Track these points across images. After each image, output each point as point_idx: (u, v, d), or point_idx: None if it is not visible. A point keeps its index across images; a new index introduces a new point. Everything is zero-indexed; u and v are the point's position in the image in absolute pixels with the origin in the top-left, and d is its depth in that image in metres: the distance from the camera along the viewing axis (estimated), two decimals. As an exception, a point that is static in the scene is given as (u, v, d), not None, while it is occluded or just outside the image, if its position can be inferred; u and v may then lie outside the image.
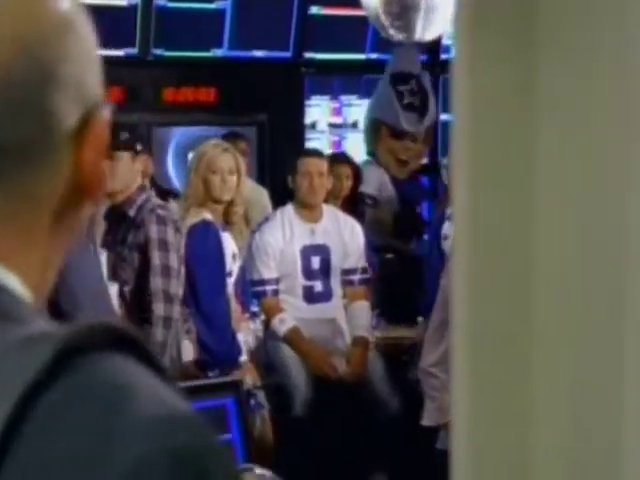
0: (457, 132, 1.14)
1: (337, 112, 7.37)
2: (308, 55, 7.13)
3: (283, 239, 4.88)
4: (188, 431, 0.66)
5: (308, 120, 7.27)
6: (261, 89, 6.80)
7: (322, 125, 7.34)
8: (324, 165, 4.98)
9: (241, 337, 4.49)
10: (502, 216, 1.08)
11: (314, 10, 7.08)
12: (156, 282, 3.98)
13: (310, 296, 4.91)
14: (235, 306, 4.52)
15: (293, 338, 4.79)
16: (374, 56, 7.25)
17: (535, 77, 1.10)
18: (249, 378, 4.29)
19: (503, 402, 1.05)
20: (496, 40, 1.13)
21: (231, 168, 4.38)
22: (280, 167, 5.64)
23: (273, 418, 4.37)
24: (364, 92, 7.21)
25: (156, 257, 3.99)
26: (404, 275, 5.60)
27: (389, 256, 5.96)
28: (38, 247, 0.74)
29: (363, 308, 4.97)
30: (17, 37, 0.71)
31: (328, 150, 6.55)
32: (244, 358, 4.45)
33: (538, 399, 1.04)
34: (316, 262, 4.92)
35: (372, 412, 4.76)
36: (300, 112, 7.19)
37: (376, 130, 6.74)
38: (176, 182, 6.54)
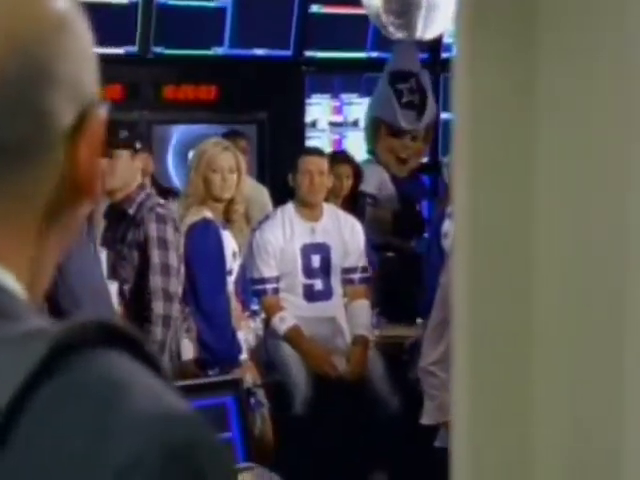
0: (457, 131, 1.14)
1: (338, 111, 7.37)
2: (309, 53, 7.13)
3: (283, 237, 4.88)
4: (184, 428, 0.66)
5: (308, 118, 7.26)
6: (261, 87, 6.80)
7: (322, 124, 7.34)
8: (324, 164, 4.98)
9: (241, 335, 4.49)
10: (502, 215, 1.08)
11: (315, 8, 7.08)
12: (155, 281, 3.98)
13: (310, 295, 4.91)
14: (235, 304, 4.52)
15: (293, 337, 4.79)
16: (375, 54, 7.25)
17: (535, 77, 1.10)
18: (249, 377, 4.29)
19: (503, 401, 1.05)
20: (496, 40, 1.13)
21: (231, 167, 4.38)
22: (280, 165, 5.64)
23: (273, 417, 4.37)
24: (365, 91, 7.21)
25: (155, 256, 3.99)
26: (404, 274, 5.60)
27: (389, 255, 5.97)
28: (34, 246, 0.74)
29: (363, 307, 4.97)
30: (12, 35, 0.71)
31: (328, 149, 6.55)
32: (244, 357, 4.45)
33: (538, 398, 1.04)
34: (316, 261, 4.93)
35: (372, 411, 4.76)
36: (301, 110, 7.19)
37: (376, 129, 6.74)
38: (176, 180, 6.54)
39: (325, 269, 4.93)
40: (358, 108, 7.23)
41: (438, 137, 7.40)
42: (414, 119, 6.73)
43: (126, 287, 4.02)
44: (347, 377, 4.79)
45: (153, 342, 3.90)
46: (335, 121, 7.37)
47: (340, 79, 7.35)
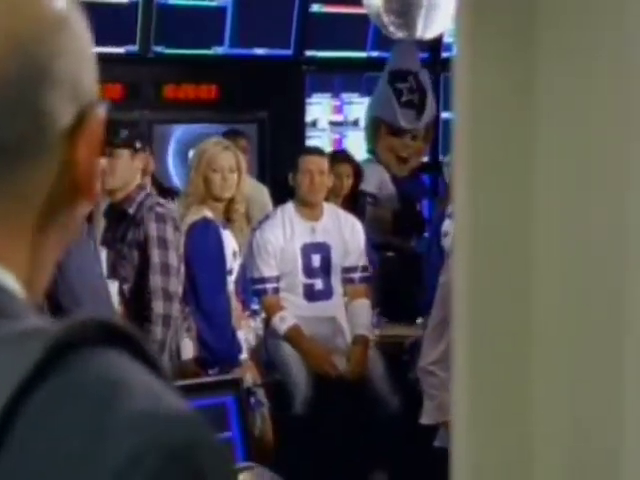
0: (457, 131, 1.14)
1: (338, 110, 7.37)
2: (309, 53, 7.13)
3: (284, 237, 4.88)
4: (184, 428, 0.65)
5: (309, 118, 7.26)
6: (262, 87, 6.80)
7: (323, 123, 7.34)
8: (325, 163, 4.98)
9: (241, 335, 4.49)
10: (502, 215, 1.08)
11: (315, 8, 7.08)
12: (155, 280, 3.98)
13: (310, 294, 4.91)
14: (235, 304, 4.52)
15: (293, 336, 4.79)
16: (375, 54, 7.25)
17: (535, 76, 1.10)
18: (249, 376, 4.29)
19: (503, 401, 1.05)
20: (496, 40, 1.13)
21: (232, 166, 4.38)
22: (281, 165, 5.64)
23: (273, 416, 4.37)
24: (365, 90, 7.21)
25: (155, 255, 3.99)
26: (404, 273, 5.60)
27: (389, 254, 5.96)
28: (33, 245, 0.74)
29: (363, 306, 4.97)
30: (11, 34, 0.71)
31: (329, 148, 6.55)
32: (244, 356, 4.45)
33: (538, 398, 1.04)
34: (317, 260, 4.92)
35: (372, 410, 4.76)
36: (301, 110, 7.19)
37: (376, 128, 6.75)
38: (176, 180, 6.54)
39: (325, 269, 4.93)
40: (358, 107, 7.23)
41: (438, 136, 7.40)
42: (413, 118, 6.73)
43: (126, 286, 4.02)
44: (347, 377, 4.79)
45: (153, 341, 3.90)
46: (335, 120, 7.37)
47: (340, 78, 7.35)
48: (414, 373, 3.79)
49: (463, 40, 1.14)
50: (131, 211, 4.04)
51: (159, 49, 6.63)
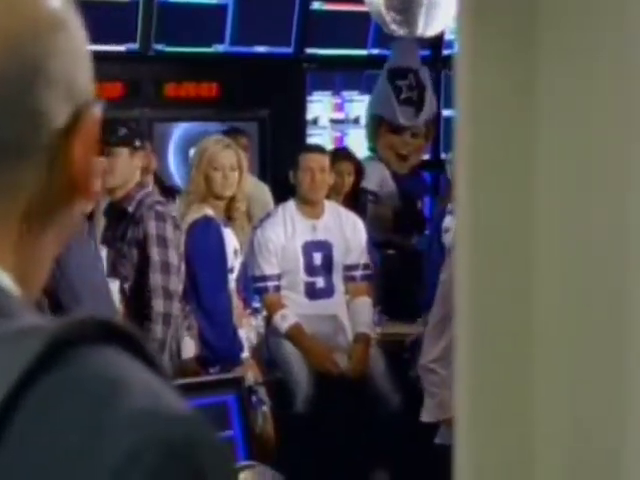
0: (459, 130, 1.14)
1: (339, 108, 7.36)
2: (310, 51, 7.12)
3: (285, 235, 4.88)
4: (183, 426, 0.65)
5: (310, 116, 7.26)
6: (263, 85, 6.80)
7: (324, 121, 7.34)
8: (326, 161, 4.98)
9: (243, 333, 4.49)
10: (503, 215, 1.08)
11: (316, 5, 7.08)
12: (155, 279, 3.98)
13: (312, 292, 4.91)
14: (237, 302, 4.52)
15: (295, 334, 4.79)
16: (376, 52, 7.25)
17: (535, 76, 1.10)
18: (250, 375, 4.29)
19: (504, 401, 1.05)
20: (497, 39, 1.13)
21: (232, 164, 4.38)
22: (282, 163, 5.64)
23: (275, 414, 4.38)
24: (366, 88, 7.21)
25: (155, 254, 3.99)
26: (406, 271, 5.60)
27: (391, 252, 5.96)
28: (30, 244, 0.74)
29: (365, 304, 4.97)
30: (7, 35, 0.71)
31: (330, 146, 6.55)
32: (245, 354, 4.45)
33: (538, 398, 1.04)
34: (318, 258, 4.92)
35: (374, 408, 4.76)
36: (302, 108, 7.19)
37: (376, 126, 6.75)
38: (177, 178, 6.54)
39: (327, 266, 4.93)
40: (359, 105, 7.23)
41: (440, 134, 7.40)
42: (412, 115, 6.74)
43: (126, 285, 4.02)
44: (349, 375, 4.79)
45: (153, 340, 3.90)
46: (336, 118, 7.36)
47: (341, 76, 7.35)
48: (415, 371, 3.79)
49: (464, 40, 1.14)
50: (130, 209, 4.04)
51: (160, 47, 6.63)
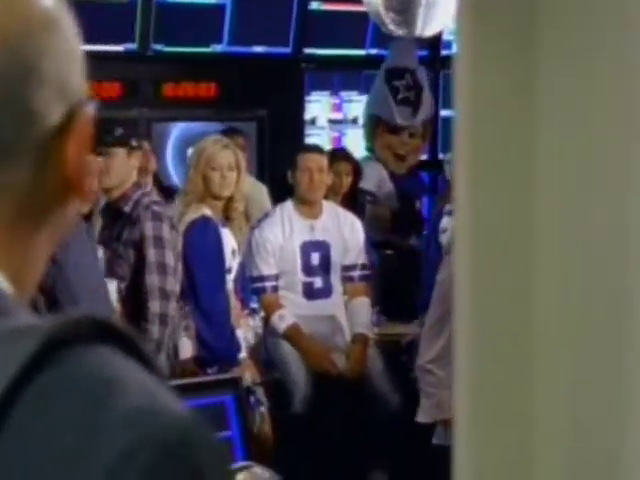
0: (458, 130, 1.14)
1: (337, 108, 7.36)
2: (308, 51, 7.12)
3: (283, 235, 4.88)
4: (178, 425, 0.65)
5: (308, 116, 7.26)
6: (261, 85, 6.80)
7: (322, 121, 7.34)
8: (324, 161, 4.97)
9: (240, 334, 4.49)
10: (503, 215, 1.08)
11: (314, 5, 7.08)
12: (152, 279, 3.97)
13: (310, 292, 4.90)
14: (235, 302, 4.52)
15: (293, 335, 4.78)
16: (374, 52, 7.25)
17: (535, 76, 1.10)
18: (248, 375, 4.29)
19: (504, 401, 1.05)
20: (497, 39, 1.13)
21: (231, 164, 4.38)
22: (280, 163, 5.63)
23: (273, 415, 4.37)
24: (364, 88, 7.21)
25: (152, 254, 3.98)
26: (404, 271, 5.60)
27: (389, 252, 5.96)
28: (24, 243, 0.74)
29: (363, 305, 4.97)
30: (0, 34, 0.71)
31: (328, 146, 6.55)
32: (243, 355, 4.44)
33: (539, 398, 1.04)
34: (316, 258, 4.92)
35: (372, 409, 4.76)
36: (300, 108, 7.19)
37: (374, 126, 6.75)
38: (175, 178, 6.54)
39: (325, 267, 4.93)
40: (357, 105, 7.23)
41: (438, 134, 7.40)
42: (409, 115, 6.74)
43: (122, 285, 4.01)
44: (347, 375, 4.79)
45: (150, 341, 3.90)
46: (334, 118, 7.36)
47: (339, 76, 7.35)
48: (413, 372, 3.79)
49: (464, 40, 1.14)
50: (127, 209, 4.03)
51: (158, 47, 6.63)
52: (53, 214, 0.75)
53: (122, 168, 4.05)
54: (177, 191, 5.20)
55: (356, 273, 5.01)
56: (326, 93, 7.33)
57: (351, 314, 4.94)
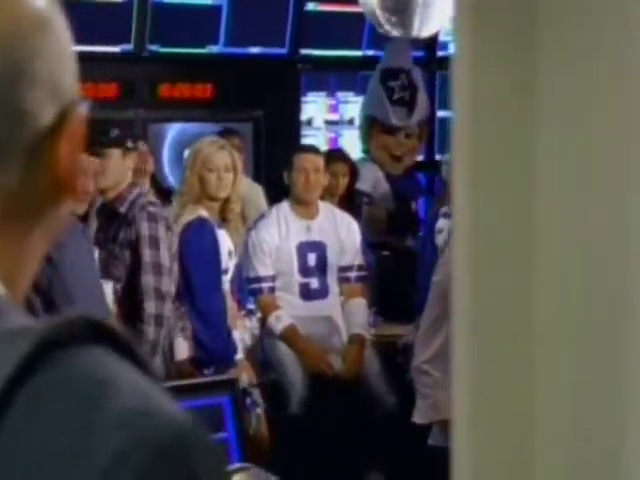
0: (457, 130, 1.14)
1: (333, 109, 7.36)
2: (304, 51, 7.12)
3: (279, 236, 4.87)
4: (172, 426, 0.65)
5: (304, 117, 7.26)
6: (257, 85, 6.80)
7: (318, 122, 7.34)
8: (320, 161, 4.97)
9: (237, 335, 4.49)
10: (502, 215, 1.08)
11: (310, 6, 7.08)
12: (147, 280, 3.97)
13: (306, 293, 4.90)
14: (231, 304, 4.52)
15: (289, 336, 4.78)
16: (370, 53, 7.25)
17: (535, 76, 1.10)
18: (245, 376, 4.28)
19: (503, 401, 1.05)
20: (496, 39, 1.13)
21: (227, 165, 4.38)
22: (276, 164, 5.63)
23: (269, 416, 4.37)
24: (360, 89, 7.21)
25: (147, 255, 3.98)
26: (400, 272, 5.60)
27: (385, 253, 5.96)
28: (16, 244, 0.74)
29: (360, 305, 4.97)
30: None
31: (324, 147, 6.55)
32: (240, 356, 4.44)
33: (538, 398, 1.04)
34: (312, 259, 4.92)
35: (368, 410, 4.76)
36: (296, 109, 7.19)
37: (369, 127, 6.76)
38: (171, 179, 6.54)
39: (321, 267, 4.92)
40: (354, 106, 7.23)
41: (434, 135, 7.41)
42: (405, 115, 6.74)
43: (118, 286, 4.01)
44: (343, 376, 4.78)
45: (145, 342, 3.89)
46: (331, 119, 7.36)
47: (336, 77, 7.35)
48: (409, 373, 3.79)
49: (463, 40, 1.14)
50: (122, 210, 4.03)
51: (154, 48, 6.62)
52: (46, 214, 0.75)
53: (117, 169, 4.05)
54: (174, 193, 5.20)
55: (352, 274, 5.01)
56: (322, 94, 7.33)
57: (347, 315, 4.94)
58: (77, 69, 0.76)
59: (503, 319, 1.05)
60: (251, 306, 4.97)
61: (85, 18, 5.56)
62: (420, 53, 7.19)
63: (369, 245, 5.49)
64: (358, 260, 5.02)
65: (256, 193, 5.88)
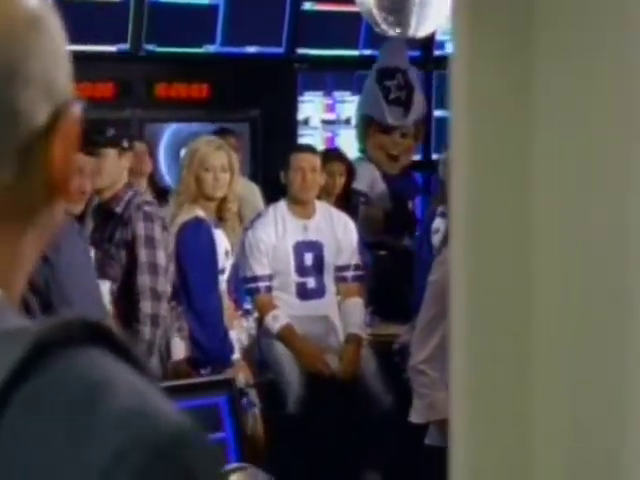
0: (455, 130, 1.14)
1: (330, 108, 7.36)
2: (301, 51, 7.12)
3: (276, 235, 4.87)
4: (169, 426, 0.65)
5: (301, 116, 7.26)
6: (254, 85, 6.79)
7: (315, 121, 7.33)
8: (317, 160, 4.97)
9: (234, 335, 4.48)
10: (501, 215, 1.08)
11: (307, 6, 7.07)
12: (143, 280, 3.97)
13: (303, 293, 4.90)
14: (228, 303, 4.51)
15: (286, 335, 4.78)
16: (367, 52, 7.25)
17: (533, 76, 1.10)
18: (242, 376, 4.28)
19: (503, 401, 1.05)
20: (494, 39, 1.12)
21: (224, 165, 4.38)
22: (273, 163, 5.63)
23: (266, 416, 4.37)
24: (357, 88, 7.21)
25: (143, 255, 3.97)
26: (397, 272, 5.59)
27: (382, 253, 5.96)
28: (10, 244, 0.73)
29: (356, 305, 4.97)
30: None
31: (321, 146, 6.54)
32: (236, 356, 4.44)
33: (538, 398, 1.03)
34: (309, 258, 4.92)
35: (365, 409, 4.76)
36: (293, 108, 7.18)
37: (366, 126, 6.76)
38: (168, 179, 6.53)
39: (318, 267, 4.92)
40: (351, 106, 7.23)
41: (431, 134, 7.40)
42: (401, 115, 6.74)
43: (114, 286, 4.01)
44: (340, 376, 4.78)
45: (142, 341, 3.89)
46: (328, 119, 7.36)
47: (332, 77, 7.35)
48: (406, 373, 3.78)
49: (461, 39, 1.14)
50: (118, 210, 4.03)
51: (151, 47, 6.61)
52: (40, 214, 0.74)
53: (113, 169, 4.05)
54: (171, 192, 5.20)
55: (349, 273, 5.01)
56: (319, 93, 7.33)
57: (344, 314, 4.94)
58: (71, 68, 0.76)
59: (502, 318, 1.05)
60: (248, 306, 4.97)
61: (82, 17, 5.56)
62: (417, 53, 7.19)
63: (366, 245, 5.49)
64: (355, 260, 5.02)
65: (253, 193, 5.88)
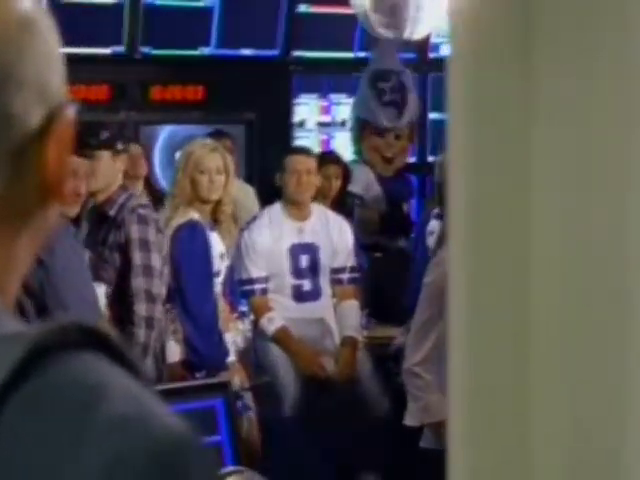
0: (453, 132, 1.13)
1: (326, 111, 7.37)
2: (296, 53, 7.12)
3: (271, 237, 4.87)
4: (164, 430, 0.65)
5: (296, 119, 7.26)
6: (249, 87, 6.80)
7: (310, 124, 7.34)
8: (312, 163, 4.97)
9: (229, 337, 4.48)
10: (500, 216, 1.08)
11: (302, 8, 7.08)
12: (138, 282, 3.96)
13: (299, 295, 4.90)
14: (223, 306, 4.51)
15: (282, 337, 4.78)
16: (362, 54, 7.25)
17: (531, 76, 1.10)
18: (237, 379, 4.28)
19: (502, 402, 1.05)
20: (492, 39, 1.12)
21: (219, 168, 4.38)
22: (268, 166, 5.63)
23: (261, 418, 4.37)
24: (352, 91, 7.21)
25: (137, 257, 3.97)
26: (393, 274, 5.60)
27: (378, 255, 5.97)
28: (4, 248, 0.73)
29: (352, 307, 4.97)
30: None
31: (316, 149, 6.55)
32: (232, 359, 4.43)
33: (537, 398, 1.03)
34: (304, 261, 4.91)
35: (361, 412, 4.75)
36: (288, 110, 7.19)
37: (360, 128, 6.77)
38: (163, 181, 6.53)
39: (313, 269, 4.92)
40: (346, 108, 7.23)
41: (426, 137, 7.41)
42: (395, 117, 6.76)
43: (109, 289, 4.00)
44: (336, 378, 4.78)
45: (136, 344, 3.88)
46: (323, 121, 7.36)
47: (328, 79, 7.35)
48: (400, 375, 3.79)
49: (459, 39, 1.13)
50: (112, 213, 4.02)
51: (146, 50, 6.62)
52: (34, 217, 0.74)
53: (107, 171, 4.04)
54: (166, 195, 5.19)
55: (345, 276, 5.01)
56: (314, 96, 7.33)
57: (340, 317, 4.94)
58: (65, 71, 0.76)
59: (501, 319, 1.05)
60: (243, 308, 4.97)
61: (77, 20, 5.55)
62: (412, 55, 7.20)
63: (361, 247, 5.49)
64: (350, 262, 5.02)
65: (248, 195, 5.88)
